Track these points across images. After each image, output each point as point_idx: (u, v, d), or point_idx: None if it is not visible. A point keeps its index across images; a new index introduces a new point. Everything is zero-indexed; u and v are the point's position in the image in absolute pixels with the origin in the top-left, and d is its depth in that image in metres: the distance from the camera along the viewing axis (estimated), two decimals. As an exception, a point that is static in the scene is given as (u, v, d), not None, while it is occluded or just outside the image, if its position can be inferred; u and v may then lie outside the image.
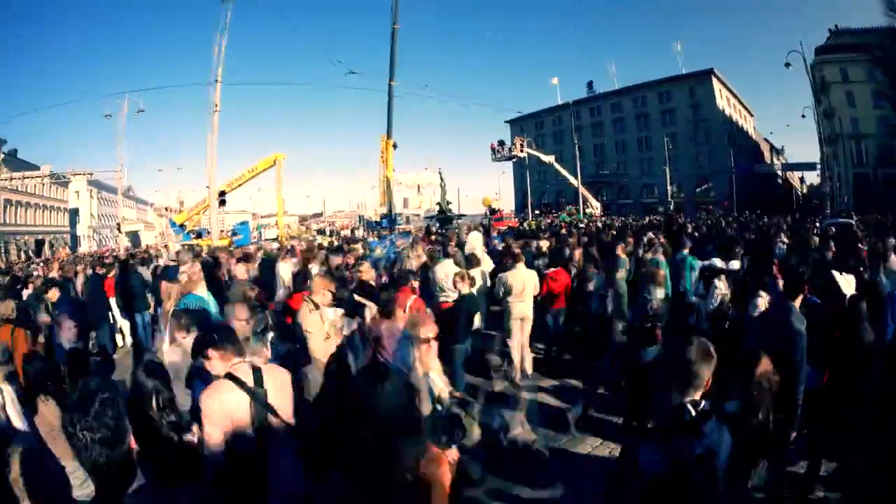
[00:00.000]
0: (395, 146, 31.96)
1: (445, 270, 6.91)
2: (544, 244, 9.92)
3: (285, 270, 8.34)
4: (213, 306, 5.73)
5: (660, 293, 5.01)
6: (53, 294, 7.61)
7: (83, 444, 1.42)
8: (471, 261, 7.53)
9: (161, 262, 12.17)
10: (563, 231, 16.82)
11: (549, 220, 33.09)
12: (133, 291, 8.62)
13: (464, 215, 52.40)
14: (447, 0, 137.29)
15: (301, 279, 6.08)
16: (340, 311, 4.97)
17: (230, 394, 2.58)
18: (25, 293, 9.18)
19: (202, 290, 5.71)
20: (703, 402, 2.10)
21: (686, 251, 7.93)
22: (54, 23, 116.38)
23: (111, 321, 8.88)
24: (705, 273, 7.05)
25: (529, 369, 6.55)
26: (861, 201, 35.82)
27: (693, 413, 2.06)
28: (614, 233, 14.77)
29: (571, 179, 44.36)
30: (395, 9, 30.91)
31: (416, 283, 5.71)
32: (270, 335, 4.99)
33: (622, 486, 2.13)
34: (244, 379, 2.62)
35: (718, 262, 7.25)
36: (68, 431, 1.45)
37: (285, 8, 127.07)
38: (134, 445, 1.52)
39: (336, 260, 8.22)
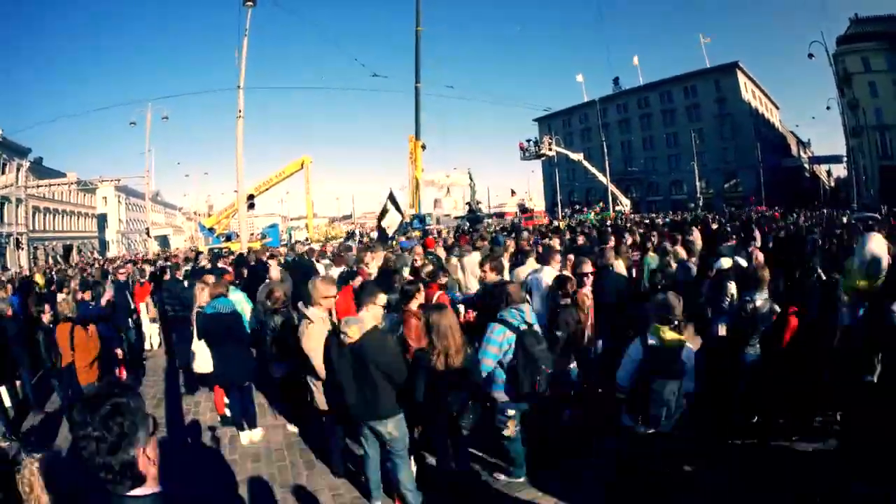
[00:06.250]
0: (423, 147, 31.75)
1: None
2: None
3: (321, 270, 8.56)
4: (244, 307, 5.80)
5: (762, 296, 4.61)
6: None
7: (86, 441, 1.33)
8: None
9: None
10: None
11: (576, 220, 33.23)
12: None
13: (493, 214, 53.69)
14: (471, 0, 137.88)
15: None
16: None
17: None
18: (60, 297, 9.01)
19: (234, 293, 5.74)
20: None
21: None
22: (72, 32, 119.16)
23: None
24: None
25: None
26: (887, 194, 34.35)
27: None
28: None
29: (600, 177, 43.70)
30: (417, 11, 30.52)
31: (444, 280, 5.94)
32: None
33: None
34: None
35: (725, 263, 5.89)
36: (73, 420, 1.36)
37: (311, 13, 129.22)
38: (143, 455, 1.40)
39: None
